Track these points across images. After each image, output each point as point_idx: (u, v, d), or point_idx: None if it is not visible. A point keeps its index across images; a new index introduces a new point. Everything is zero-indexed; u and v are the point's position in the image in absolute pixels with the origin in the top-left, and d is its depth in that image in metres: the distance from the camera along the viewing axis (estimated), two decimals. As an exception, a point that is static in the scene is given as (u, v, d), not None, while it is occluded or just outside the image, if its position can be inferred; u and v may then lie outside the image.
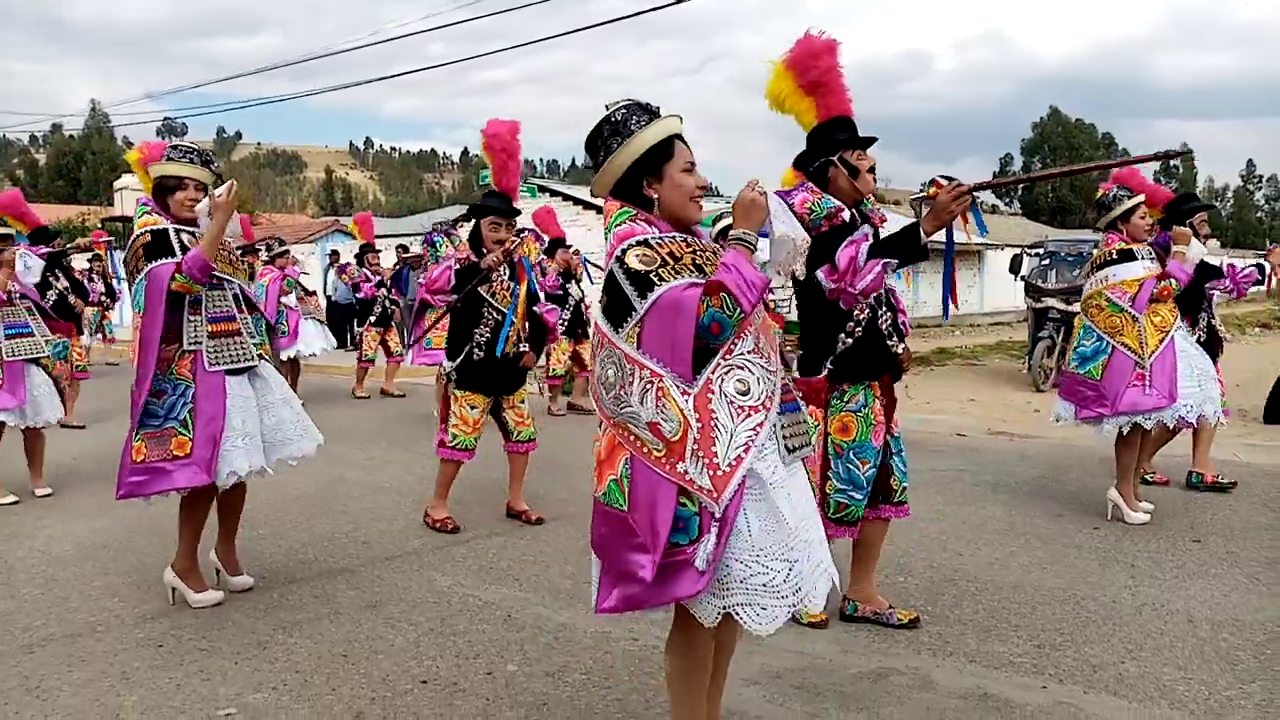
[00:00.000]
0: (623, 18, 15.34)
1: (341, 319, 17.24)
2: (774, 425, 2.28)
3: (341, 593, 4.08)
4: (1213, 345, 5.86)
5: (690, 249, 2.33)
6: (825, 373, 3.42)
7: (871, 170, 3.43)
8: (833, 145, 3.40)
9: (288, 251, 10.43)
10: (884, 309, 3.49)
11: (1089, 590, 4.01)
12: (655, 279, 2.23)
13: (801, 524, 2.26)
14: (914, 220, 3.15)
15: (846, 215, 3.34)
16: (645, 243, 2.29)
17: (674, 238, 2.34)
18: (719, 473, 2.17)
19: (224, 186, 3.69)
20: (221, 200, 3.66)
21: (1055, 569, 4.31)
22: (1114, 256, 5.13)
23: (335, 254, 18.42)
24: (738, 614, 2.20)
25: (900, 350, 3.54)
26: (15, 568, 4.51)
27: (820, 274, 3.25)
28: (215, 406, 3.70)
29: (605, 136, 2.37)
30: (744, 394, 2.23)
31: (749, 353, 2.28)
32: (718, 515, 2.16)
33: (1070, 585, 4.08)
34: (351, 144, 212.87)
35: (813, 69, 3.35)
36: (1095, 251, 5.37)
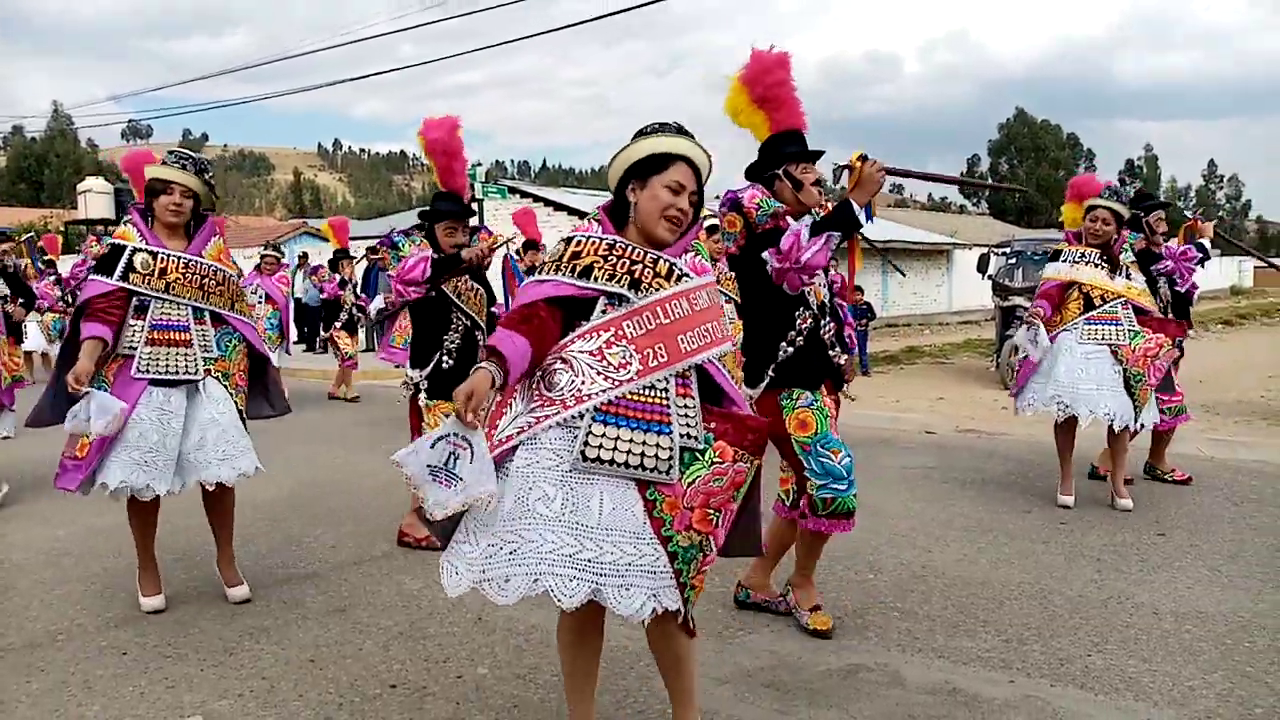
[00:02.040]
0: (594, 19, 15.34)
1: (311, 321, 17.16)
2: (577, 428, 2.26)
3: (309, 598, 4.04)
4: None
5: (598, 254, 2.39)
6: (767, 381, 3.43)
7: (818, 183, 3.45)
8: (779, 158, 3.46)
9: (277, 259, 10.28)
10: (827, 319, 3.51)
11: (1056, 585, 4.05)
12: (540, 270, 2.44)
13: (528, 520, 2.21)
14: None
15: (790, 220, 3.38)
16: (569, 239, 2.46)
17: (602, 240, 2.42)
18: (492, 443, 2.28)
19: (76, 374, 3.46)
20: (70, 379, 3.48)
21: (1023, 564, 4.35)
22: (1050, 257, 5.49)
23: (305, 256, 18.30)
24: (442, 567, 2.33)
25: (843, 360, 3.57)
26: (-26, 577, 4.42)
27: (767, 254, 3.35)
28: None
29: (635, 138, 2.50)
30: (549, 386, 2.32)
31: (584, 352, 2.33)
32: None
33: (1037, 580, 4.12)
34: (320, 146, 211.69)
35: (761, 84, 3.42)
36: None
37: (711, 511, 2.32)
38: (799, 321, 3.43)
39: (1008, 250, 13.43)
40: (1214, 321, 20.90)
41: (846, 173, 3.38)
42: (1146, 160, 77.07)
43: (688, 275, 2.44)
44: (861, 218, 3.29)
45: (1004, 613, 3.74)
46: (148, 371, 3.65)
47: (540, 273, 2.43)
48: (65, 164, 53.92)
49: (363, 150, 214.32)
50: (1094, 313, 5.20)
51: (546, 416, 2.29)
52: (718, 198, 3.64)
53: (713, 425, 2.38)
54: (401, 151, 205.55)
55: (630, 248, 2.42)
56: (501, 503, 2.24)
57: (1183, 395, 5.93)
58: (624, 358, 2.32)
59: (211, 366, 3.82)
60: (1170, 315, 6.16)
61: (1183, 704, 2.95)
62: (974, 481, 6.07)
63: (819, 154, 3.50)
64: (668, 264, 2.42)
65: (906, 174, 3.80)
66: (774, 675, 3.20)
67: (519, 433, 2.30)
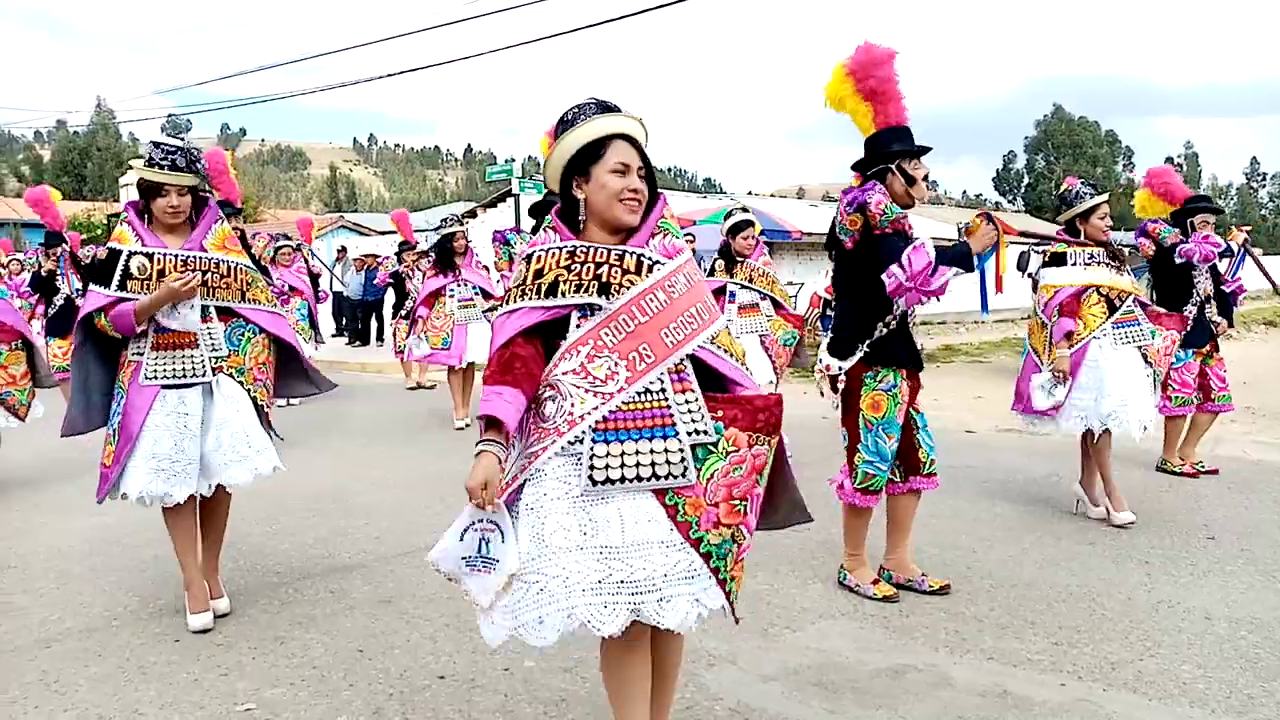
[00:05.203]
0: (630, 15, 15.28)
1: (353, 314, 17.32)
2: (579, 453, 2.17)
3: (356, 588, 4.08)
4: (1202, 334, 6.03)
5: (561, 267, 2.27)
6: (860, 355, 3.76)
7: (925, 178, 3.72)
8: (891, 154, 3.67)
9: (292, 249, 10.37)
10: (912, 309, 3.82)
11: (1104, 587, 4.00)
12: (507, 298, 2.33)
13: (548, 556, 2.13)
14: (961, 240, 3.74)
15: (908, 223, 3.64)
16: (527, 258, 2.34)
17: (561, 249, 2.29)
18: (500, 485, 2.21)
19: (181, 281, 3.46)
20: (172, 286, 3.45)
21: (1070, 566, 4.30)
22: (1047, 259, 5.15)
23: (343, 249, 18.48)
24: (480, 618, 2.26)
25: (921, 346, 3.91)
26: (30, 562, 4.51)
27: (894, 270, 3.48)
28: (133, 423, 3.50)
29: (558, 133, 2.34)
30: (541, 417, 2.24)
31: (568, 373, 2.22)
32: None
33: (1085, 582, 4.07)
34: (355, 140, 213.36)
35: (872, 77, 3.59)
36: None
37: (737, 502, 2.23)
38: (896, 307, 3.74)
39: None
40: (1256, 322, 20.53)
41: (965, 229, 3.79)
42: (1187, 158, 75.92)
43: (660, 262, 2.30)
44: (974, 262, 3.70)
45: (1052, 615, 3.70)
46: (155, 378, 3.53)
47: (507, 300, 2.32)
48: (107, 157, 54.82)
49: (398, 145, 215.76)
50: (1117, 315, 4.97)
51: (545, 448, 2.20)
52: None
53: (720, 413, 2.26)
54: (436, 146, 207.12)
55: (592, 249, 2.28)
56: (518, 543, 2.17)
57: (1193, 387, 6.08)
58: (610, 368, 2.21)
59: (223, 364, 3.65)
60: (1213, 314, 6.13)
61: (1242, 712, 2.90)
62: (1016, 481, 6.01)
63: (927, 149, 3.73)
64: (635, 257, 2.28)
65: (1026, 235, 3.96)
66: (821, 674, 3.19)
67: (522, 470, 2.22)
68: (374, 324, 16.98)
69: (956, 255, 3.55)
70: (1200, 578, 4.13)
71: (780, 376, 6.86)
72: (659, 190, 2.40)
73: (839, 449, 3.93)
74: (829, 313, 13.21)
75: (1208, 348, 6.14)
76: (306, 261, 10.76)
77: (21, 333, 6.01)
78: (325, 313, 14.93)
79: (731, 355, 2.36)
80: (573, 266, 2.26)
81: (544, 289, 2.26)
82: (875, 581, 3.95)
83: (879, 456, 3.81)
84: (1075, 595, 3.91)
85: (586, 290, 2.24)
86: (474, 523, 2.18)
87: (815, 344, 14.68)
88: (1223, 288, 6.20)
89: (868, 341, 3.75)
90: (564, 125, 2.33)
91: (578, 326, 2.25)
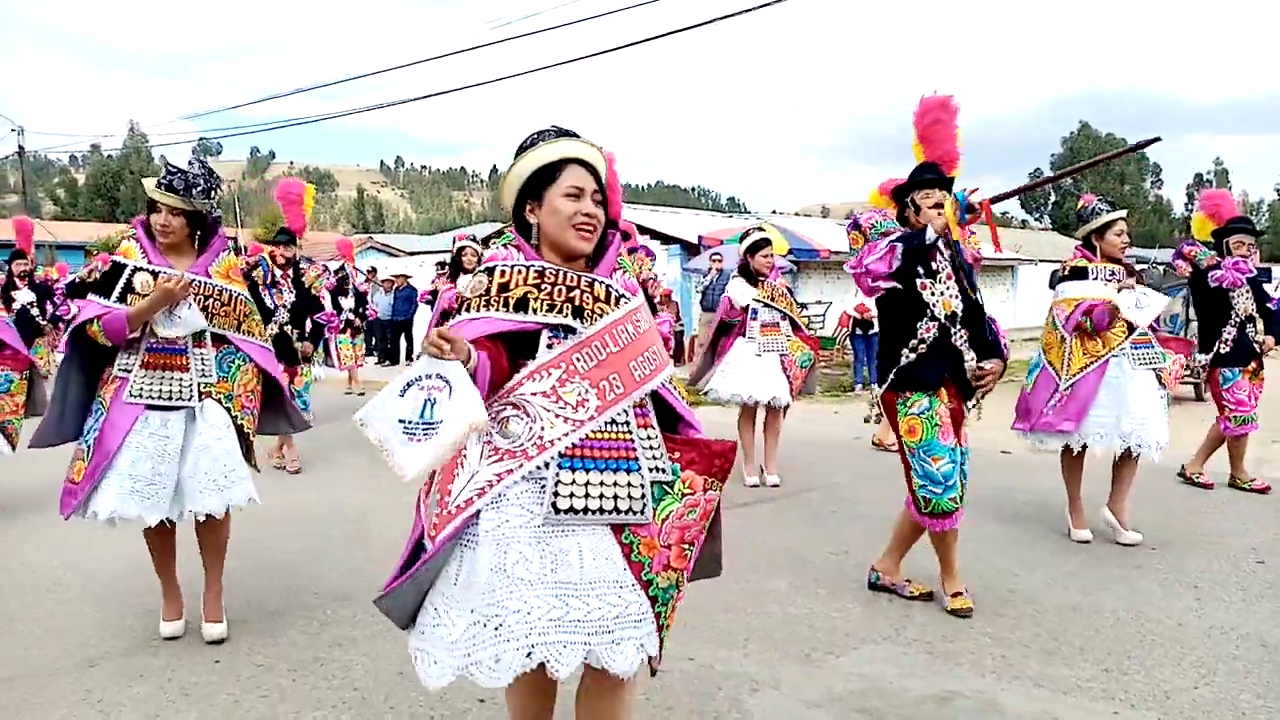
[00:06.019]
0: (655, 37, 15.35)
1: (383, 333, 17.46)
2: (545, 479, 2.09)
3: (393, 610, 4.06)
4: (1244, 354, 6.02)
5: (529, 284, 2.19)
6: (889, 382, 3.88)
7: (936, 207, 3.72)
8: (909, 187, 3.89)
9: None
10: (958, 328, 3.80)
11: (1153, 612, 3.92)
12: (463, 308, 2.21)
13: (510, 588, 2.02)
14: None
15: (905, 239, 3.67)
16: (490, 270, 2.24)
17: (529, 267, 2.22)
18: (445, 511, 2.10)
19: (174, 281, 3.43)
20: (166, 286, 3.42)
21: (1115, 589, 4.22)
22: (1067, 273, 5.11)
23: (373, 270, 18.63)
24: (415, 656, 2.16)
25: (986, 366, 3.81)
26: (69, 584, 4.54)
27: (847, 265, 3.81)
28: (112, 441, 3.44)
29: (516, 157, 2.30)
30: (505, 436, 2.12)
31: (537, 394, 2.13)
32: (427, 552, 2.11)
33: (1133, 606, 3.99)
34: (383, 163, 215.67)
35: (921, 124, 3.92)
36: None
37: (687, 546, 2.16)
38: (921, 330, 3.80)
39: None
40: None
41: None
42: (1216, 174, 74.96)
43: (625, 296, 2.26)
44: (928, 239, 3.63)
45: (1101, 640, 3.63)
46: (140, 396, 3.48)
47: (464, 309, 2.20)
48: (140, 181, 55.73)
49: (424, 167, 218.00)
50: (1135, 335, 4.89)
51: (509, 471, 2.09)
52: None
53: (678, 454, 2.22)
54: (462, 168, 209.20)
55: (562, 273, 2.22)
56: (475, 574, 2.05)
57: (1249, 405, 6.06)
58: (580, 395, 2.14)
59: (211, 389, 3.61)
60: (1257, 333, 6.06)
61: (1303, 742, 2.82)
62: (1054, 503, 5.89)
63: (946, 182, 3.82)
64: (604, 286, 2.24)
65: (1005, 196, 3.94)
66: (865, 700, 3.14)
67: (479, 494, 2.09)
68: (403, 343, 17.10)
69: (909, 234, 3.66)
70: (1253, 602, 4.04)
71: (794, 398, 6.75)
72: (614, 227, 2.38)
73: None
74: (858, 332, 13.15)
75: (1252, 366, 6.08)
76: (349, 278, 10.77)
77: (32, 361, 6.08)
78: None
79: (683, 399, 2.37)
80: (542, 286, 2.20)
81: (512, 303, 2.17)
82: (956, 595, 3.96)
83: (930, 480, 3.79)
84: (1123, 620, 3.84)
85: (560, 311, 2.18)
86: (421, 377, 1.93)
87: (845, 362, 14.63)
88: (1268, 305, 6.16)
89: (895, 369, 3.84)
90: (521, 150, 2.28)
91: (549, 347, 2.17)
